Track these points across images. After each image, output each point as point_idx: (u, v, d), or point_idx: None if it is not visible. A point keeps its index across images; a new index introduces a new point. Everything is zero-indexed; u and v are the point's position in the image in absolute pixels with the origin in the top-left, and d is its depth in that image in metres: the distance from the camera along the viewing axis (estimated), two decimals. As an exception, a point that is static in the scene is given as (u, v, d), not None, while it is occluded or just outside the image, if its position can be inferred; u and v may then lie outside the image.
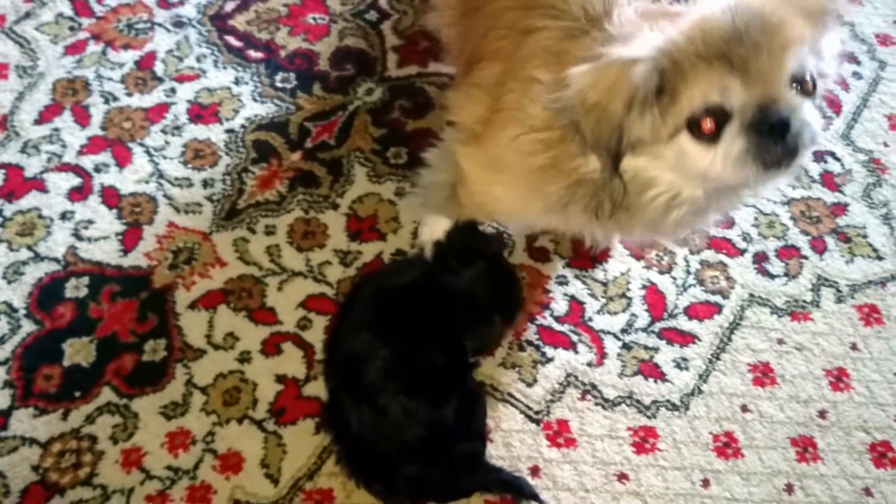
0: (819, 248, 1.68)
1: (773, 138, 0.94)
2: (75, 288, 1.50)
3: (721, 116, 0.95)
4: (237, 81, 1.77)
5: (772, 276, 1.64)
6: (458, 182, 1.40)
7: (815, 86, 0.98)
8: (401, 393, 1.22)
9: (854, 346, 1.57)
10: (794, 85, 0.96)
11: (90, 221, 1.57)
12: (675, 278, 1.62)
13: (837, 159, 1.80)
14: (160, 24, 1.83)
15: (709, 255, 1.65)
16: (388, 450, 1.24)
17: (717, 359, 1.54)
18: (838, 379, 1.54)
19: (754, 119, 0.93)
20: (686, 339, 1.55)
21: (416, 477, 1.25)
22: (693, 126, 0.96)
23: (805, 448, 1.47)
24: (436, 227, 1.52)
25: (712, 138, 0.96)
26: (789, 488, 1.43)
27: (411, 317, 1.34)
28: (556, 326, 1.55)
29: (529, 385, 1.48)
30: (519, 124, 1.14)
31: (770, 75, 0.93)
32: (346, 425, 1.28)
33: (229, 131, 1.70)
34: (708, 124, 0.95)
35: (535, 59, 1.12)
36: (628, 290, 1.60)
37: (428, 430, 1.22)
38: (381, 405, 1.22)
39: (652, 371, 1.52)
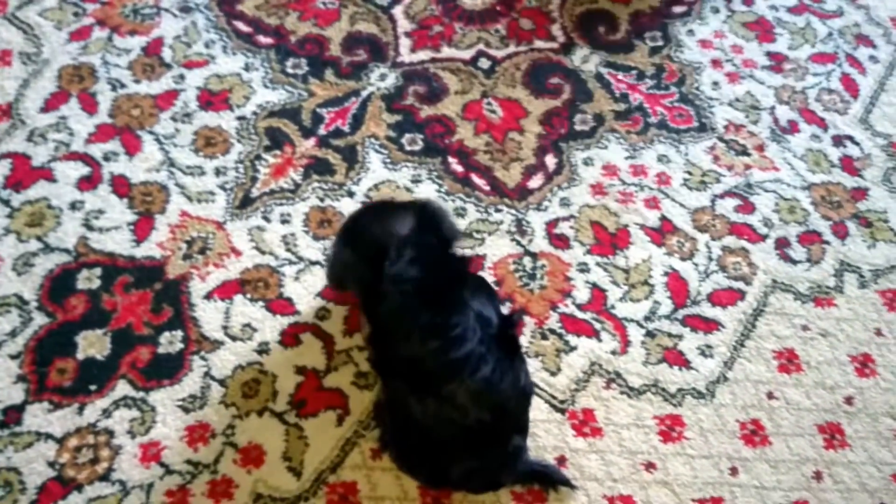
0: (841, 233, 1.66)
1: None
2: (87, 279, 1.47)
3: None
4: (247, 67, 1.73)
5: (794, 262, 1.62)
6: None
7: None
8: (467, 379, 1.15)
9: (879, 332, 1.56)
10: None
11: (101, 211, 1.53)
12: (696, 265, 1.59)
13: (856, 143, 1.78)
14: (166, 10, 1.79)
15: (730, 240, 1.63)
16: (450, 440, 1.19)
17: (742, 346, 1.52)
18: (864, 365, 1.52)
19: None
20: (710, 326, 1.53)
21: (472, 469, 1.21)
22: None
23: (832, 435, 1.45)
24: None
25: None
26: (818, 475, 1.41)
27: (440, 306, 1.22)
28: (579, 314, 1.52)
29: (553, 374, 1.46)
30: None
31: None
32: (405, 418, 1.22)
33: (241, 118, 1.67)
34: None
35: None
36: (650, 277, 1.57)
37: (492, 415, 1.17)
38: (446, 394, 1.16)
39: (677, 359, 1.49)
